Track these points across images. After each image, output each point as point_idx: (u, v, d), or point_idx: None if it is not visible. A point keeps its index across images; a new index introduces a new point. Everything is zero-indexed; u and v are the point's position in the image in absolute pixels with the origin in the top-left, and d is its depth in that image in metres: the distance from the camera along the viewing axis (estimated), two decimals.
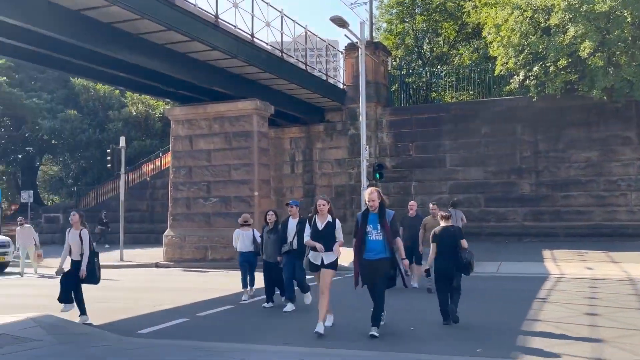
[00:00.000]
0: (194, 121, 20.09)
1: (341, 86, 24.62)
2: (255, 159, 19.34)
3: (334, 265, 7.65)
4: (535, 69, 19.43)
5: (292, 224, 9.40)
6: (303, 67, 20.76)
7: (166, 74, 16.40)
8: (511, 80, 21.34)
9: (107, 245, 26.06)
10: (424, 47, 31.97)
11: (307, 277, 9.43)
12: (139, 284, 14.79)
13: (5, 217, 31.65)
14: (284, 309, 9.48)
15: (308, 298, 9.81)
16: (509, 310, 9.20)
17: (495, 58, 21.51)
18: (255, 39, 17.22)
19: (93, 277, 8.70)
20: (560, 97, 20.07)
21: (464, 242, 8.28)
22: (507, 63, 20.36)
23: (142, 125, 35.79)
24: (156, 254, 21.11)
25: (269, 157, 21.36)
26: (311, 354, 6.46)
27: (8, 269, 18.60)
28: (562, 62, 18.36)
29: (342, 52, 25.39)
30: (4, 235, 20.34)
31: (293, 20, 19.71)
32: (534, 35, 19.41)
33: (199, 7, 14.99)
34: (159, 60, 15.36)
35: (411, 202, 12.59)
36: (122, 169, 21.32)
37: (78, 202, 31.75)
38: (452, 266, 8.17)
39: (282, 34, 18.96)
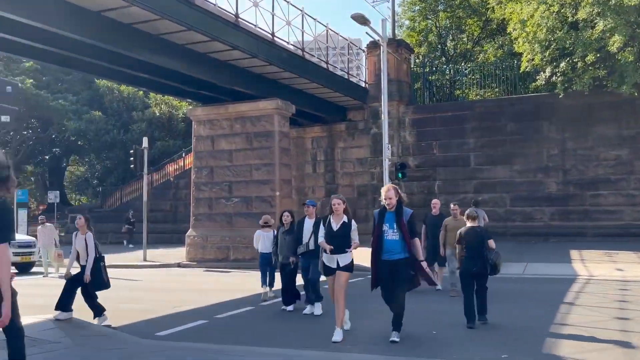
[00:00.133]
0: (216, 121, 20.10)
1: (363, 85, 24.41)
2: (276, 159, 19.27)
3: (349, 268, 7.33)
4: (562, 65, 18.99)
5: (309, 224, 9.08)
6: (324, 66, 20.62)
7: (187, 74, 16.42)
8: (537, 77, 20.94)
9: (130, 246, 26.32)
10: (448, 44, 31.58)
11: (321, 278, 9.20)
12: (160, 284, 14.82)
13: (33, 216, 32.22)
14: (304, 312, 9.34)
15: (319, 309, 9.25)
16: (535, 314, 8.90)
17: (520, 54, 21.11)
18: (275, 38, 17.13)
19: (100, 282, 8.50)
20: (588, 94, 19.56)
21: (492, 243, 8.09)
22: (533, 59, 19.96)
23: (166, 125, 36.07)
24: (179, 254, 21.20)
25: (291, 156, 21.27)
26: (330, 359, 6.30)
27: (34, 269, 18.83)
28: (591, 58, 17.88)
29: (364, 51, 25.19)
30: (30, 235, 20.62)
31: (314, 19, 19.57)
32: (560, 31, 18.96)
33: (219, 7, 14.94)
34: (179, 60, 15.37)
35: (434, 201, 12.32)
36: (145, 170, 21.44)
37: (103, 202, 32.16)
38: (479, 267, 7.97)
39: (302, 33, 18.84)
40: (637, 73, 17.49)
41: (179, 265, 19.55)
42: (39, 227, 17.44)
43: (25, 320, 4.47)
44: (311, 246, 8.86)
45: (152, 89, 23.00)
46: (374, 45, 23.17)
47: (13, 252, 18.13)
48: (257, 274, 11.43)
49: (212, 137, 20.15)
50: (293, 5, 17.95)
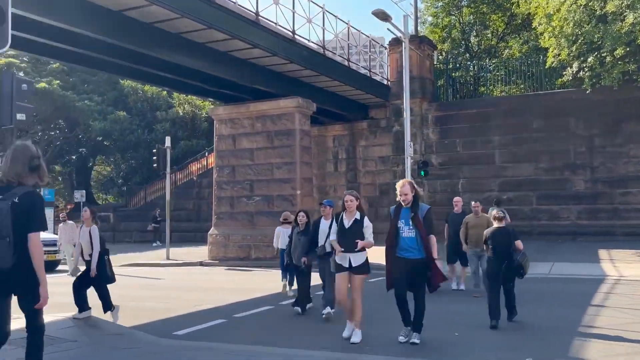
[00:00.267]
0: (237, 120, 20.10)
1: (385, 82, 24.17)
2: (297, 158, 19.18)
3: (363, 269, 6.98)
4: (590, 59, 18.47)
5: (325, 225, 8.62)
6: (346, 63, 20.45)
7: (208, 73, 16.43)
8: (564, 73, 20.43)
9: (155, 244, 26.53)
10: (472, 40, 31.13)
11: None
12: (181, 282, 14.84)
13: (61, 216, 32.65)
14: (322, 312, 9.19)
15: (329, 313, 8.79)
16: (561, 315, 8.62)
17: (546, 50, 20.65)
18: (296, 36, 17.04)
19: (104, 275, 8.34)
20: (617, 89, 19.01)
21: (519, 244, 7.91)
22: (559, 54, 19.49)
23: (189, 125, 36.32)
24: (202, 252, 21.28)
25: (312, 155, 21.16)
26: None
27: (59, 267, 19.07)
28: (620, 52, 17.35)
29: (386, 48, 24.95)
30: (55, 234, 20.86)
31: (335, 16, 19.41)
32: (588, 24, 18.44)
33: (239, 5, 14.92)
34: (200, 59, 15.40)
35: (456, 198, 12.08)
36: (168, 169, 21.56)
37: (128, 201, 32.50)
38: (505, 268, 7.82)
39: (323, 31, 18.72)
40: None
41: (201, 263, 19.61)
42: (60, 224, 17.69)
43: (45, 318, 4.51)
44: (327, 248, 8.43)
45: (175, 89, 23.11)
46: (396, 42, 22.93)
47: None
48: (278, 273, 11.39)
49: (234, 135, 20.17)
50: (314, 3, 17.84)
